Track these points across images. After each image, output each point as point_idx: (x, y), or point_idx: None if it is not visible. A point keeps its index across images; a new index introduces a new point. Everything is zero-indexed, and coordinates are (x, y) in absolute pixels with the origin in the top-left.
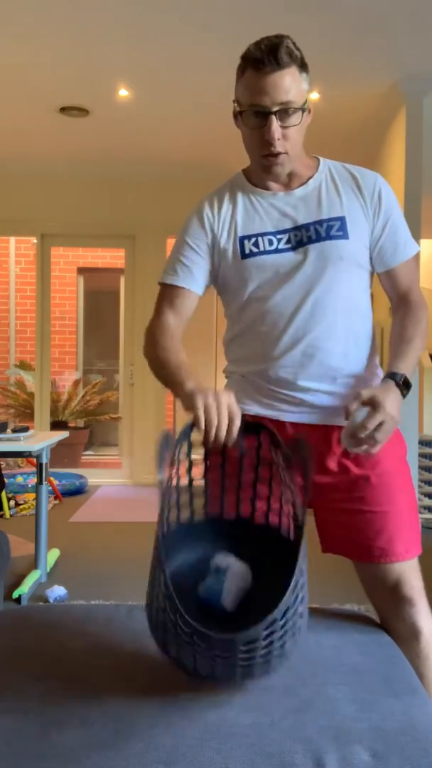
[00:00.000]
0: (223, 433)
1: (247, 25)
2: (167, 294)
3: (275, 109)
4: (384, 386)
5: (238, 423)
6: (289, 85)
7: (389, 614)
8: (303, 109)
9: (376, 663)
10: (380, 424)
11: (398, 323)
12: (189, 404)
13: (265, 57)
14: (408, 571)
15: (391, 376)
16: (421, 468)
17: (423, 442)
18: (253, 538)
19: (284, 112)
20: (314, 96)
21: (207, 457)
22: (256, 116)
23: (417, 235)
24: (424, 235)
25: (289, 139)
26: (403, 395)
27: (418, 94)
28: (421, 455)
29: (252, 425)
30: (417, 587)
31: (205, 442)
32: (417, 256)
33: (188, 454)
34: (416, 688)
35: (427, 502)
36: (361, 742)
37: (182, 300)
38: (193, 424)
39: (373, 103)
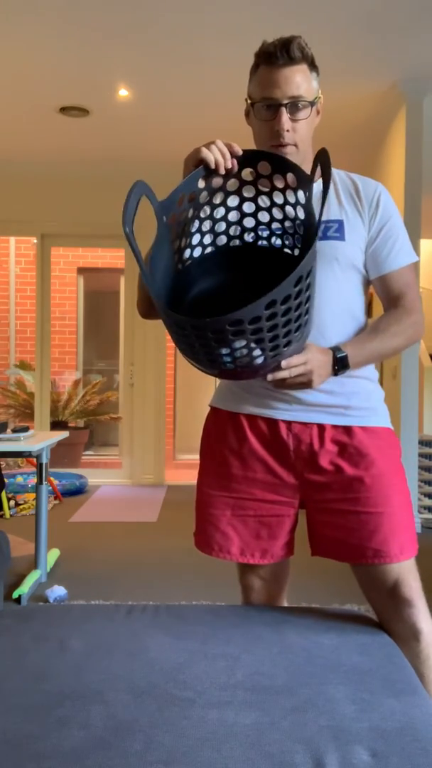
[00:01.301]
0: (227, 156)
1: (247, 24)
2: None
3: (285, 101)
4: (323, 349)
5: (237, 147)
6: (300, 80)
7: (388, 616)
8: (312, 104)
9: (376, 663)
10: (297, 367)
11: (379, 317)
12: (188, 156)
13: (277, 51)
14: (406, 572)
15: (333, 348)
16: (421, 468)
17: (423, 442)
18: (268, 266)
19: (294, 105)
20: None
21: (213, 190)
22: (267, 109)
23: (417, 235)
24: (424, 235)
25: (297, 132)
26: (335, 372)
27: (418, 94)
28: (421, 455)
29: (251, 156)
30: (415, 588)
31: (214, 169)
32: (413, 267)
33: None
34: (416, 688)
35: (427, 502)
36: (361, 742)
37: None
38: (201, 167)
39: (373, 103)
